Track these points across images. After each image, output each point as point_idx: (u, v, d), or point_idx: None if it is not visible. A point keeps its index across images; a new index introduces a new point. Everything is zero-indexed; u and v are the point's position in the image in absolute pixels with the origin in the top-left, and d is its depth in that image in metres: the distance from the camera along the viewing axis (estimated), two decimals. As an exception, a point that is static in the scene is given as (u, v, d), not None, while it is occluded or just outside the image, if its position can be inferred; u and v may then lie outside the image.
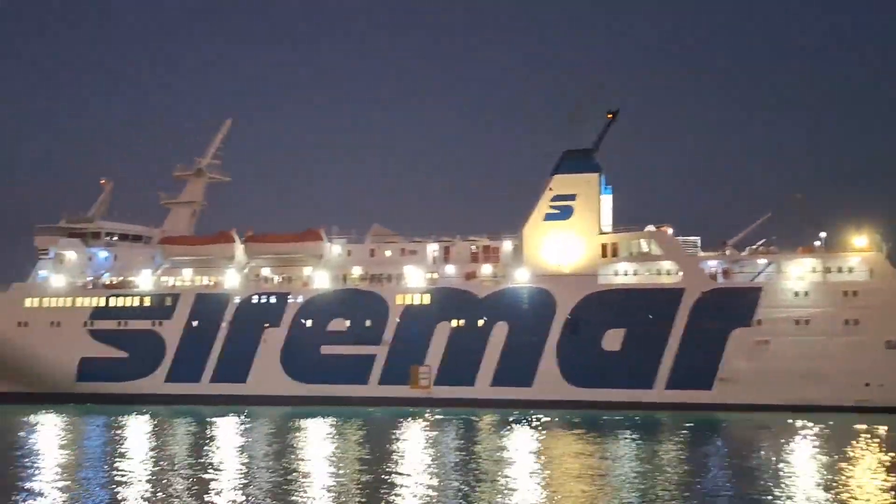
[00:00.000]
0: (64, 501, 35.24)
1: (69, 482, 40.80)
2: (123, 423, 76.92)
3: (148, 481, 40.74)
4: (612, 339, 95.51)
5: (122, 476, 42.40)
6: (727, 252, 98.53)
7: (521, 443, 60.56)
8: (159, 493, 37.13)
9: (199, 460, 49.48)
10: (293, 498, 35.36)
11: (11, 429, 71.30)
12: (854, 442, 60.34)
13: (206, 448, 56.67)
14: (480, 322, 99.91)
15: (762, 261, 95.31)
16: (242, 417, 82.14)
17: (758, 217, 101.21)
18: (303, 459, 49.76)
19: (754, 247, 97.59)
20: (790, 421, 75.66)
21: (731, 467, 48.33)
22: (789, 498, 35.80)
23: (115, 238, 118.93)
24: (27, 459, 49.85)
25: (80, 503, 35.08)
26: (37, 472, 44.11)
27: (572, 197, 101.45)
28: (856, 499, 36.04)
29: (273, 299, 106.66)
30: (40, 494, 36.45)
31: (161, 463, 48.20)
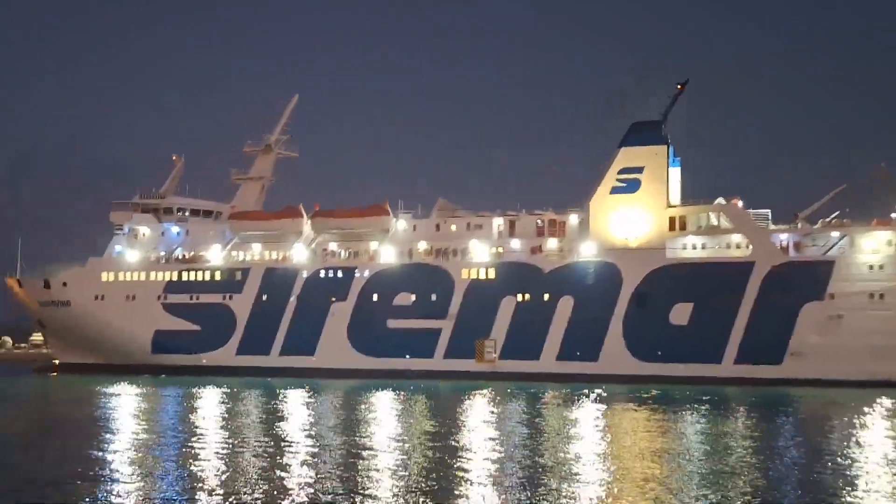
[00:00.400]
0: (139, 470, 35.36)
1: (144, 451, 40.98)
2: (197, 394, 77.48)
3: (220, 451, 40.75)
4: (680, 314, 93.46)
5: (196, 446, 42.53)
6: (799, 225, 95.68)
7: (587, 417, 59.39)
8: (232, 463, 37.08)
9: (270, 431, 49.47)
10: (359, 470, 34.93)
11: (90, 399, 72.26)
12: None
13: (275, 420, 56.72)
14: (546, 296, 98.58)
15: (835, 234, 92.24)
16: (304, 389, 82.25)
17: (831, 189, 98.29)
18: (370, 432, 49.40)
19: (828, 219, 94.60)
20: (869, 402, 73.02)
21: (803, 445, 46.65)
22: (862, 479, 34.17)
23: (187, 213, 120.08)
24: (106, 429, 50.35)
25: (156, 472, 35.13)
26: (114, 441, 44.44)
27: (640, 170, 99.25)
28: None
29: (340, 273, 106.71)
30: (117, 463, 36.66)
31: (233, 433, 48.26)
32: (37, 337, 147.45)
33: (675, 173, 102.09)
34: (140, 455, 39.58)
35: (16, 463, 38.32)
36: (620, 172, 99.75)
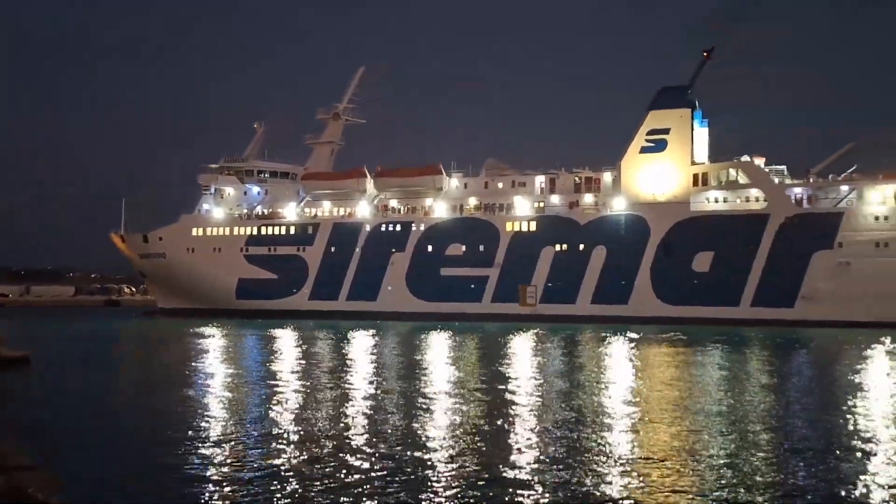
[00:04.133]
0: (227, 401, 36.66)
1: (232, 385, 42.21)
2: (276, 334, 79.15)
3: (298, 384, 42.01)
4: (702, 261, 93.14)
5: (277, 379, 43.87)
6: (811, 179, 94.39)
7: (619, 354, 59.93)
8: (307, 394, 38.38)
9: (340, 365, 50.80)
10: (419, 397, 36.09)
11: (184, 338, 74.22)
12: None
13: (344, 355, 58.22)
14: (581, 246, 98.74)
15: (845, 187, 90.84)
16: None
17: (843, 146, 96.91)
18: (428, 365, 50.42)
19: (843, 174, 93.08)
20: (874, 341, 72.39)
21: (812, 378, 46.78)
22: (863, 408, 34.31)
23: (267, 175, 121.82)
24: (198, 365, 51.89)
25: (241, 402, 36.45)
26: (206, 376, 45.83)
27: (666, 131, 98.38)
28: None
29: (399, 227, 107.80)
30: (208, 395, 38.01)
31: (309, 369, 49.51)
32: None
33: (703, 133, 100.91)
34: (224, 389, 40.99)
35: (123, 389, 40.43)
36: (649, 133, 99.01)
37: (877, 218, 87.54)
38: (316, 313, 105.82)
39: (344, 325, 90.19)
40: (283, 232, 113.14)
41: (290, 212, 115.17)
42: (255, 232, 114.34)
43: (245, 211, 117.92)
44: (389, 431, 29.07)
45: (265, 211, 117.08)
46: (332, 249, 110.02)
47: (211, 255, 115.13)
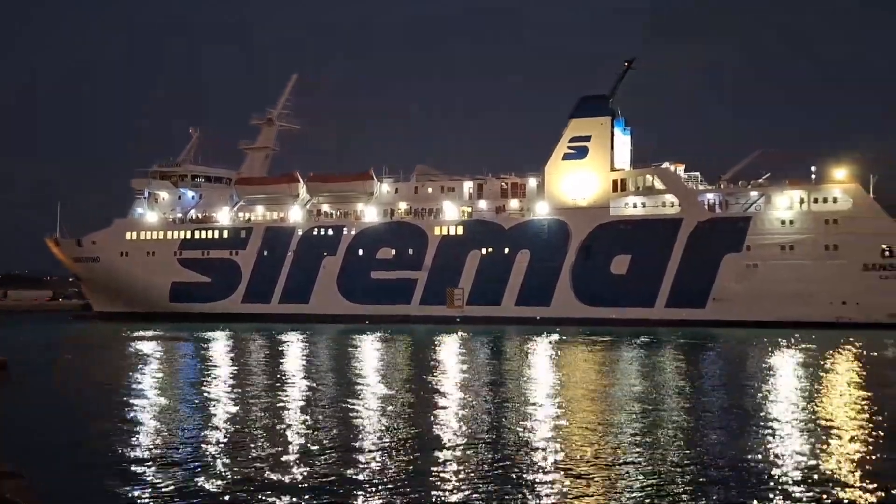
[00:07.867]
0: (160, 403, 35.05)
1: (165, 387, 40.56)
2: (209, 337, 76.92)
3: (230, 385, 40.49)
4: (620, 264, 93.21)
5: (209, 380, 42.35)
6: (721, 185, 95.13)
7: (541, 353, 59.24)
8: (240, 393, 36.89)
9: (272, 367, 49.31)
10: (352, 397, 34.81)
11: (118, 341, 71.85)
12: (832, 353, 57.33)
13: (276, 357, 56.65)
14: (506, 250, 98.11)
15: (754, 193, 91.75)
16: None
17: (749, 154, 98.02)
18: (361, 367, 49.19)
19: (759, 180, 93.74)
20: (779, 340, 72.99)
21: (721, 374, 46.48)
22: (766, 399, 33.89)
23: (201, 180, 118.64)
24: (133, 367, 49.78)
25: (175, 404, 34.88)
26: (140, 378, 43.95)
27: (588, 138, 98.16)
28: (830, 398, 34.07)
29: (331, 231, 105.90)
30: (142, 397, 36.31)
31: (241, 370, 47.84)
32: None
33: (625, 141, 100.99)
34: (157, 390, 38.98)
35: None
36: (571, 141, 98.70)
37: (783, 222, 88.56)
38: (249, 316, 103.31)
39: (276, 328, 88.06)
40: (217, 236, 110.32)
41: (224, 216, 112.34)
42: (188, 236, 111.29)
43: (179, 215, 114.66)
44: (319, 432, 28.35)
45: (199, 215, 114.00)
46: (265, 253, 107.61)
47: (145, 259, 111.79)
